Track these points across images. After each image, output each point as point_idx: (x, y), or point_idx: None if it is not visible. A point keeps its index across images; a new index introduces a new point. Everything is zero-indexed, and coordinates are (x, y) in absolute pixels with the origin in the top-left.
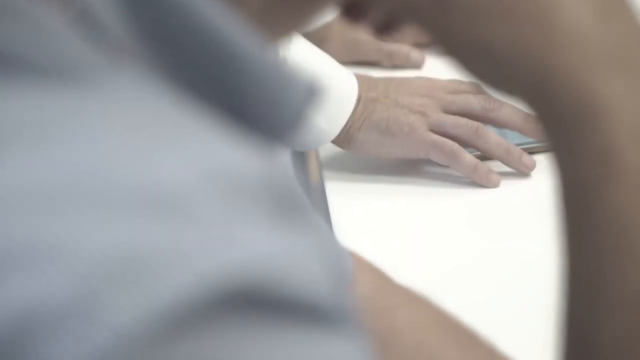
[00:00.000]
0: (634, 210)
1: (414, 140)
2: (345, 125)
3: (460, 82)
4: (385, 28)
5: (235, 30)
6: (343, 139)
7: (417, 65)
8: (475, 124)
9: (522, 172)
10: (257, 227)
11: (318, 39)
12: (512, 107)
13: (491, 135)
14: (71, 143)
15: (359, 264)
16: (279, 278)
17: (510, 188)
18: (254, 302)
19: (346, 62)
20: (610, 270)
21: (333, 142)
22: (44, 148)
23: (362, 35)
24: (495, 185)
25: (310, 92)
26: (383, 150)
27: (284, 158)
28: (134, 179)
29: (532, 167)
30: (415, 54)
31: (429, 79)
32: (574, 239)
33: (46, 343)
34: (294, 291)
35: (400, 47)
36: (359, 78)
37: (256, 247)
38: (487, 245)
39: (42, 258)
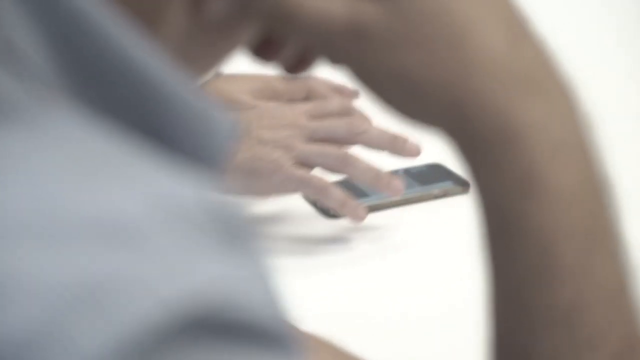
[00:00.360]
0: (555, 228)
1: (281, 177)
2: None
3: (325, 103)
4: (297, 65)
5: (156, 64)
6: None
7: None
8: (342, 152)
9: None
10: (207, 254)
11: None
12: (380, 129)
13: (359, 162)
14: (13, 179)
15: (315, 343)
16: (233, 303)
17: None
18: (212, 327)
19: None
20: (536, 288)
21: None
22: None
23: (238, 96)
24: (361, 220)
25: (231, 127)
26: (253, 192)
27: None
28: (85, 211)
29: (401, 191)
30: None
31: (291, 107)
32: (499, 260)
33: None
34: (248, 315)
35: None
36: None
37: (210, 273)
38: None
39: (1, 291)
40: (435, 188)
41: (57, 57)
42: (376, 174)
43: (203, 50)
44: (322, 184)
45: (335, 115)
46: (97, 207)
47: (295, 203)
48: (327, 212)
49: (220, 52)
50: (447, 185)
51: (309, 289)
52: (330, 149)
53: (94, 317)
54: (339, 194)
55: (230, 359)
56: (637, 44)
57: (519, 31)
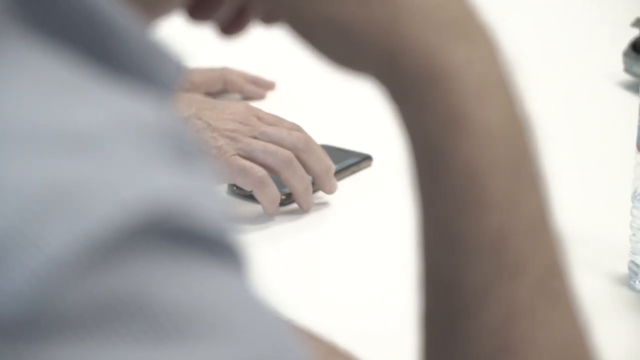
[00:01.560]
0: (480, 160)
1: (222, 165)
2: None
3: (280, 118)
4: (231, 25)
5: (104, 4)
6: None
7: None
8: (287, 154)
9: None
10: (163, 165)
11: None
12: (322, 154)
13: (298, 170)
14: None
15: (308, 337)
16: (187, 210)
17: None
18: (167, 232)
19: None
20: (464, 216)
21: None
22: None
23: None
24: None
25: (178, 61)
26: None
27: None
28: (51, 122)
29: (334, 190)
30: None
31: (247, 106)
32: (427, 196)
33: None
34: (200, 223)
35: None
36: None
37: (166, 181)
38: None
39: None
40: (345, 165)
41: None
42: (307, 187)
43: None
44: (262, 177)
45: (286, 129)
46: (60, 120)
47: None
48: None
49: (156, 4)
50: (354, 160)
51: None
52: (276, 148)
53: (58, 217)
54: (274, 191)
55: (182, 264)
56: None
57: None
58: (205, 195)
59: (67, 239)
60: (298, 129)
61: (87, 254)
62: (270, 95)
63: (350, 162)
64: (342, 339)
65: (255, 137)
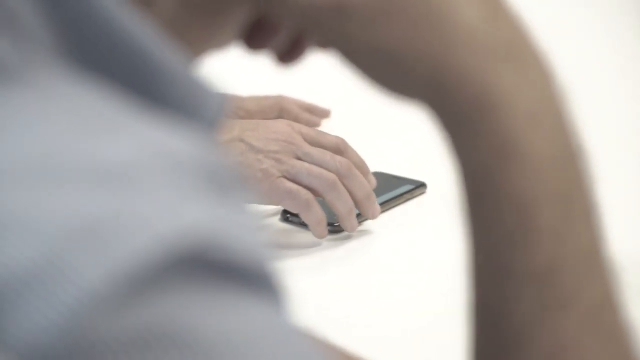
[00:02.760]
0: (530, 192)
1: (267, 187)
2: None
3: (322, 132)
4: (288, 54)
5: (148, 35)
6: None
7: None
8: (332, 176)
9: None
10: (198, 198)
11: None
12: (363, 180)
13: (342, 192)
14: (11, 129)
15: (315, 342)
16: (224, 242)
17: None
18: (205, 265)
19: None
20: (513, 249)
21: None
22: None
23: None
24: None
25: (221, 100)
26: None
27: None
28: (83, 157)
29: (378, 214)
30: None
31: (289, 124)
32: (477, 228)
33: (16, 306)
34: (238, 256)
35: None
36: None
37: (202, 213)
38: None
39: (4, 228)
40: (398, 193)
41: (54, 24)
42: (350, 210)
43: (194, 33)
44: (308, 199)
45: (328, 150)
46: (94, 154)
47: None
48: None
49: (211, 37)
50: (408, 188)
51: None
52: (320, 171)
53: (93, 251)
54: (319, 213)
55: (216, 297)
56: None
57: (494, 6)
58: (241, 227)
59: (101, 273)
60: (342, 142)
61: (121, 288)
62: (325, 123)
63: (404, 189)
64: None
65: (299, 158)
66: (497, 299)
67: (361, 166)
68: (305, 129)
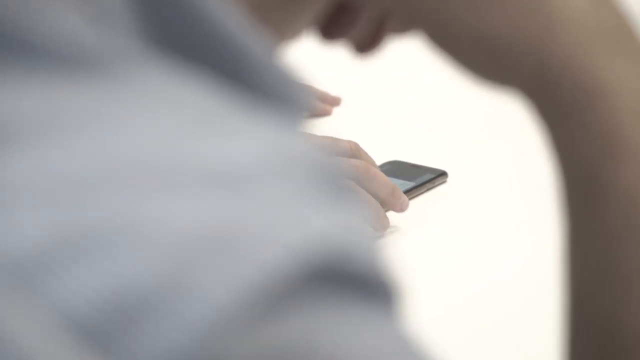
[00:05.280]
0: None
1: None
2: None
3: (334, 139)
4: (368, 43)
5: (237, 24)
6: None
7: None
8: (348, 183)
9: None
10: (322, 204)
11: None
12: (384, 178)
13: (364, 195)
14: (113, 131)
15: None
16: (354, 252)
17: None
18: (337, 278)
19: None
20: (625, 247)
21: None
22: (99, 133)
23: None
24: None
25: (307, 93)
26: None
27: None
28: (201, 160)
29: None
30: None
31: None
32: (580, 224)
33: (141, 326)
34: (366, 266)
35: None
36: None
37: (331, 221)
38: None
39: (126, 240)
40: (418, 182)
41: (138, 7)
42: (377, 209)
43: (278, 18)
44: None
45: (344, 156)
46: (212, 156)
47: None
48: None
49: (293, 23)
50: (428, 177)
51: None
52: (351, 161)
53: (219, 265)
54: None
55: (348, 311)
56: None
57: None
58: (362, 234)
59: (230, 289)
60: (355, 146)
61: (252, 304)
62: (337, 111)
63: (425, 178)
64: None
65: None
66: (602, 299)
67: (375, 167)
68: (319, 138)
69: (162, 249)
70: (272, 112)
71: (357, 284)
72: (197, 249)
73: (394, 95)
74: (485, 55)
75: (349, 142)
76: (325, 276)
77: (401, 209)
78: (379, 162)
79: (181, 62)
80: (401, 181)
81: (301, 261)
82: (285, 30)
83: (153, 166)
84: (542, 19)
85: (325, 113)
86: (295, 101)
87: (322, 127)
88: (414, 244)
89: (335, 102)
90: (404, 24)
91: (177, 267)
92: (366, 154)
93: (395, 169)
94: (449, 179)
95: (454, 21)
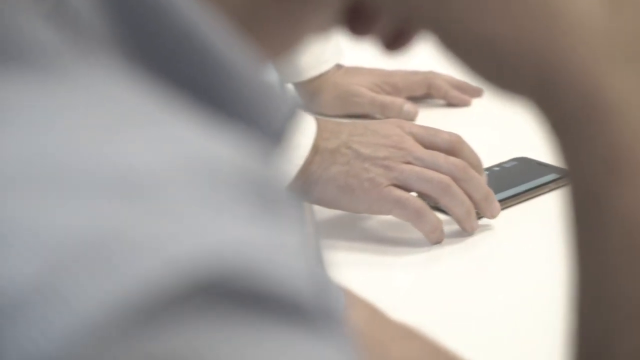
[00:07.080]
0: None
1: (375, 197)
2: (299, 177)
3: (435, 131)
4: (393, 42)
5: (217, 34)
6: (298, 192)
7: (410, 118)
8: (445, 179)
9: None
10: (234, 215)
11: (311, 91)
12: (481, 181)
13: (457, 194)
14: (28, 126)
15: (351, 299)
16: (256, 269)
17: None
18: (229, 295)
19: (339, 114)
20: (623, 272)
21: None
22: (10, 129)
23: (356, 88)
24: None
25: (290, 108)
26: (342, 206)
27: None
28: (98, 161)
29: (498, 213)
30: (408, 106)
31: (400, 124)
32: (584, 243)
33: (6, 329)
34: (273, 285)
35: (393, 99)
36: (321, 125)
37: (232, 235)
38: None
39: (3, 241)
40: (542, 182)
41: (110, 13)
42: (468, 209)
43: (277, 24)
44: (419, 207)
45: (442, 150)
46: (115, 159)
47: None
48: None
49: (297, 28)
50: (553, 177)
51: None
52: (432, 174)
53: (95, 272)
54: (434, 219)
55: (242, 329)
56: None
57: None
58: (285, 251)
59: (99, 297)
60: (457, 140)
61: (122, 315)
62: (476, 102)
63: (549, 178)
64: None
65: (410, 163)
66: (598, 330)
67: (477, 165)
68: (416, 129)
69: (38, 251)
70: (231, 125)
71: (262, 302)
72: (74, 254)
73: None
74: (491, 64)
75: (450, 134)
76: (214, 291)
77: (492, 215)
78: (506, 158)
79: (149, 70)
80: (524, 179)
81: (182, 274)
82: (284, 41)
83: (51, 166)
84: (548, 25)
85: (463, 103)
86: (272, 120)
87: (458, 117)
88: (518, 244)
89: (475, 92)
90: (410, 25)
91: (50, 270)
92: (469, 148)
93: (521, 165)
94: None
95: (457, 27)
